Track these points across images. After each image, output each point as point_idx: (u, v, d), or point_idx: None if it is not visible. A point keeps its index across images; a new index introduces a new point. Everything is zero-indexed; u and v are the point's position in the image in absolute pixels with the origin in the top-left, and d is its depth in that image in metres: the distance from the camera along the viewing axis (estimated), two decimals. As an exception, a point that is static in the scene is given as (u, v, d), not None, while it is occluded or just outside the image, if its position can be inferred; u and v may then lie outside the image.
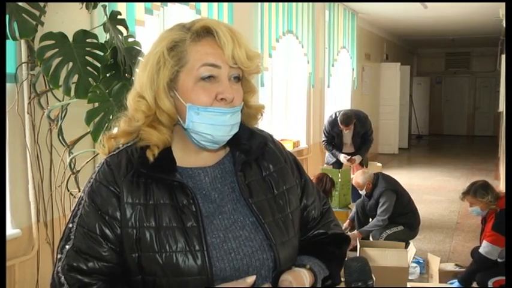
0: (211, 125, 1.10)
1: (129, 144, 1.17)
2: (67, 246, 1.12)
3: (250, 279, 1.07)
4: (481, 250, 3.75)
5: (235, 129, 1.14)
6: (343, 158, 6.24)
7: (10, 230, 2.62)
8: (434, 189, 7.94)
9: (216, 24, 1.11)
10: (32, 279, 2.70)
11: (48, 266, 2.76)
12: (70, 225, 1.14)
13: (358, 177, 5.10)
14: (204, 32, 1.11)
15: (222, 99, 1.10)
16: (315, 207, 1.30)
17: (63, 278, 1.10)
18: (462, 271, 4.01)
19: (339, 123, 6.09)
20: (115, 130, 1.22)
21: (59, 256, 1.12)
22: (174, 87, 1.12)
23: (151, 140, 1.13)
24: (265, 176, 1.21)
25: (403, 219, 4.91)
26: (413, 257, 4.33)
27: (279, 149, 1.29)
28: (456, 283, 3.94)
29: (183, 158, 1.16)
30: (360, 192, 5.18)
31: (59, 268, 1.11)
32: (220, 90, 1.09)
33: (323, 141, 6.43)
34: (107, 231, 1.10)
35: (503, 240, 3.59)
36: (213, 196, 1.16)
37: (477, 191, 3.89)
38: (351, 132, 6.24)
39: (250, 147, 1.20)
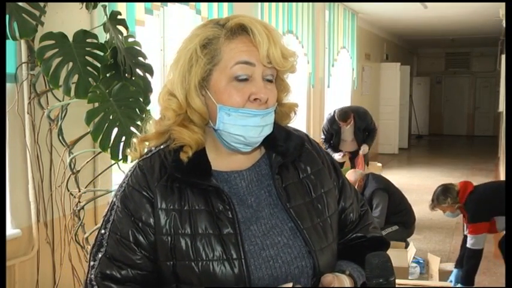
0: (242, 126, 1.05)
1: (161, 147, 1.13)
2: (100, 253, 1.09)
3: (288, 286, 1.03)
4: (468, 245, 3.84)
5: (267, 131, 1.09)
6: (337, 156, 6.18)
7: (10, 230, 2.62)
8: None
9: (251, 21, 1.06)
10: (32, 279, 2.70)
11: (48, 266, 2.76)
12: (102, 231, 1.11)
13: (350, 175, 5.10)
14: (239, 30, 1.07)
15: (255, 99, 1.05)
16: (353, 210, 1.25)
17: (96, 286, 1.08)
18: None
19: (337, 119, 6.11)
20: (144, 133, 1.18)
21: (91, 263, 1.09)
22: (205, 86, 1.07)
23: (183, 140, 1.08)
24: (302, 179, 1.16)
25: (397, 218, 4.90)
26: (413, 257, 4.33)
27: (316, 150, 1.23)
28: (453, 276, 3.99)
29: (217, 161, 1.12)
30: None
31: (92, 276, 1.08)
32: (254, 91, 1.05)
33: (322, 139, 6.40)
34: (141, 238, 1.07)
35: (483, 226, 3.76)
36: (249, 201, 1.11)
37: (438, 198, 4.00)
38: (352, 129, 6.23)
39: (287, 149, 1.15)
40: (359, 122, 6.22)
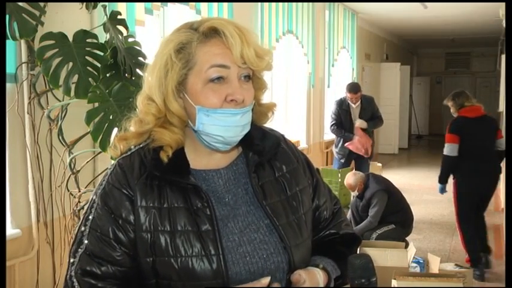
0: (221, 126, 1.08)
1: (141, 146, 1.15)
2: (80, 250, 1.10)
3: (265, 280, 1.06)
4: (444, 152, 4.62)
5: (247, 129, 1.12)
6: (356, 136, 6.04)
7: (10, 230, 2.62)
8: (434, 189, 7.86)
9: (223, 24, 1.08)
10: (32, 279, 2.70)
11: (48, 266, 2.76)
12: (82, 228, 1.12)
13: (349, 178, 5.10)
14: (212, 33, 1.08)
15: (232, 100, 1.08)
16: (326, 208, 1.30)
17: (76, 282, 1.09)
18: (462, 271, 4.01)
19: (347, 92, 6.17)
20: (124, 131, 1.20)
21: (71, 260, 1.11)
22: (183, 89, 1.10)
23: (163, 140, 1.11)
24: (278, 177, 1.20)
25: (394, 217, 4.90)
26: (413, 257, 4.33)
27: (292, 149, 1.27)
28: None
29: (196, 160, 1.15)
30: (352, 193, 5.16)
31: (72, 272, 1.10)
32: (230, 92, 1.07)
33: (332, 125, 6.26)
34: (120, 235, 1.09)
35: (451, 137, 4.56)
36: (226, 198, 1.14)
37: (450, 95, 4.84)
38: (359, 108, 6.18)
39: (264, 148, 1.18)
40: (365, 103, 6.22)
